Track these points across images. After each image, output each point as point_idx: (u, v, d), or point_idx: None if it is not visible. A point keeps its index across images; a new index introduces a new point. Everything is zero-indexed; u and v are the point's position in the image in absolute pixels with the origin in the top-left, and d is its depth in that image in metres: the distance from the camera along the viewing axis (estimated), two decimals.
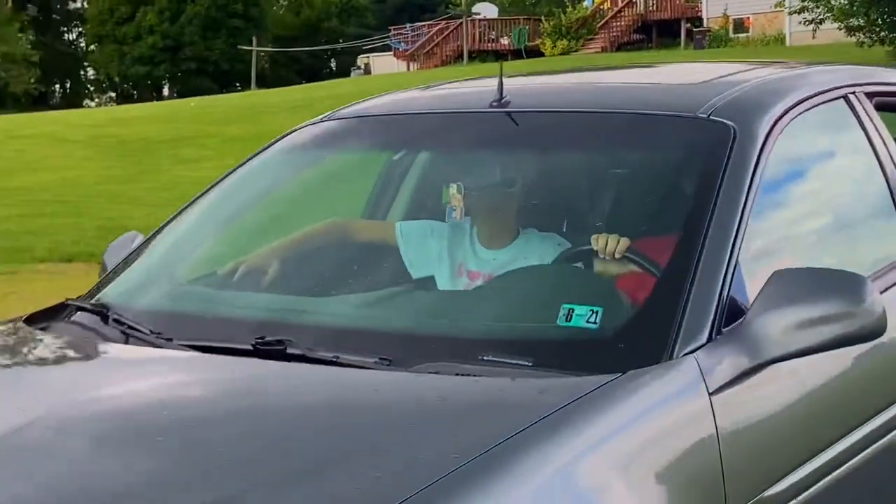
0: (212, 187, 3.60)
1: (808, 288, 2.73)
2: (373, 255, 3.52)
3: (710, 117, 3.10)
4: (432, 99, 3.84)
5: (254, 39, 51.90)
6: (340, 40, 58.92)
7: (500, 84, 3.36)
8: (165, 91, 62.57)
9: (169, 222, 3.54)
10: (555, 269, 3.17)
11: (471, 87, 3.91)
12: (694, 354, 2.62)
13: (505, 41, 45.12)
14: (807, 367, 2.81)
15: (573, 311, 2.76)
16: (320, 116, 3.70)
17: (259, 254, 3.46)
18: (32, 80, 59.79)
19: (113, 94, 66.15)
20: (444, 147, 3.55)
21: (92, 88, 69.59)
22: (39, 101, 58.53)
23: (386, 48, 48.93)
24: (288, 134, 3.67)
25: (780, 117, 3.16)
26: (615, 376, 2.53)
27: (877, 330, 2.73)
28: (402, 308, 3.02)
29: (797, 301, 2.70)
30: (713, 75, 3.57)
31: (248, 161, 3.63)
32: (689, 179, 3.03)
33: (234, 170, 3.62)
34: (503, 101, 3.35)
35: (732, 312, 2.74)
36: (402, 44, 47.52)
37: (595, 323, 2.75)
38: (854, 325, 2.70)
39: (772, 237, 3.10)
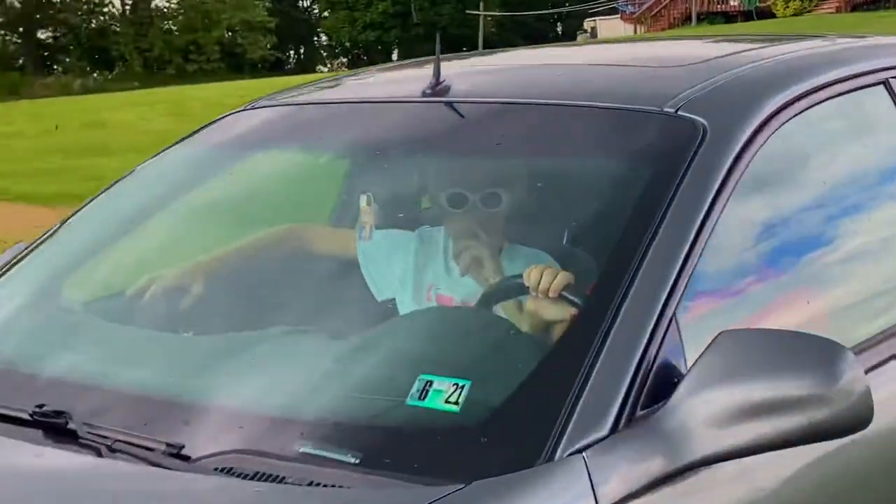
0: (106, 189, 2.96)
1: (762, 357, 1.94)
2: (327, 271, 2.85)
3: (679, 113, 2.33)
4: (371, 85, 3.13)
5: (481, 4, 51.47)
6: (566, 3, 57.84)
7: (437, 66, 2.64)
8: (395, 56, 62.80)
9: (51, 233, 2.90)
10: (439, 316, 2.43)
11: (419, 70, 3.15)
12: (584, 453, 1.87)
13: (734, 2, 43.31)
14: (761, 468, 2.03)
15: (431, 385, 2.03)
16: (246, 104, 3.03)
17: (177, 270, 2.81)
18: (269, 47, 60.88)
19: (344, 60, 66.79)
20: (362, 145, 2.80)
21: (325, 54, 70.50)
22: (275, 67, 59.52)
23: (613, 11, 47.73)
24: (209, 124, 3.02)
25: (778, 112, 2.36)
26: (456, 488, 1.81)
27: (857, 421, 1.94)
28: (228, 368, 2.29)
29: (745, 376, 1.93)
30: (706, 55, 2.75)
31: (156, 157, 2.99)
32: (632, 196, 2.25)
33: (132, 172, 2.97)
34: (439, 87, 2.63)
35: (663, 388, 1.97)
36: (629, 6, 46.25)
37: (457, 404, 2.01)
38: (824, 412, 1.91)
39: (740, 280, 2.30)
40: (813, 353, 1.94)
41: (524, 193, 2.57)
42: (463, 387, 2.01)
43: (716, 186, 2.17)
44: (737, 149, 2.24)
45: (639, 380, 1.95)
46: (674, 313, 2.03)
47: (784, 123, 2.36)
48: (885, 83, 2.67)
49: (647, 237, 2.08)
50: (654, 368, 1.97)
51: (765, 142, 2.30)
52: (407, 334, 2.35)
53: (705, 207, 2.14)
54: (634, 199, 2.21)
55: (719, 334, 1.99)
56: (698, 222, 2.12)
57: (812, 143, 2.54)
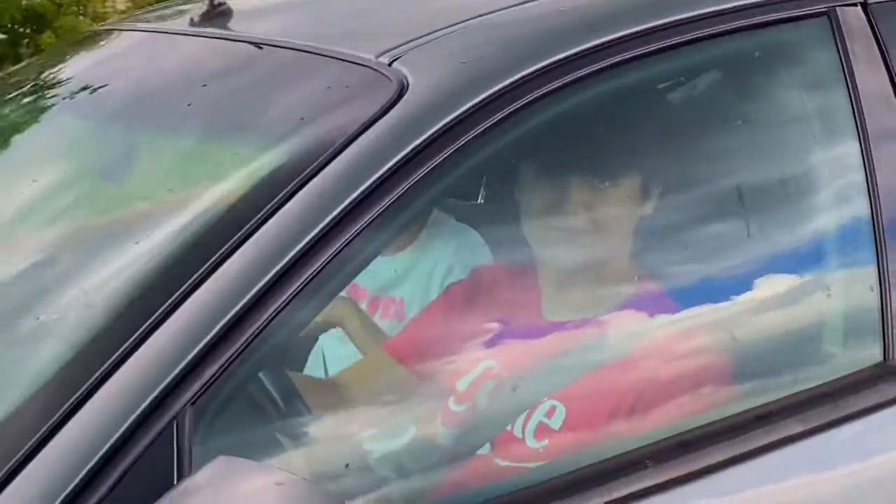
0: None
1: None
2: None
3: (392, 65, 1.63)
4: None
5: None
6: None
7: None
8: None
9: None
10: None
11: None
12: None
13: None
14: None
15: None
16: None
17: None
18: None
19: None
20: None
21: None
22: None
23: None
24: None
25: (546, 72, 1.58)
26: None
27: None
28: None
29: None
30: None
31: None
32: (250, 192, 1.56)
33: None
34: (214, 11, 2.00)
35: None
36: None
37: None
38: None
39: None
40: None
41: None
42: None
43: (372, 179, 1.45)
44: (440, 124, 1.50)
45: None
46: (180, 413, 1.32)
47: (553, 93, 1.58)
48: (830, 14, 1.75)
49: (216, 259, 1.42)
50: None
51: (506, 118, 1.54)
52: None
53: (333, 215, 1.43)
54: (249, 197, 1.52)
55: (216, 458, 1.28)
56: (306, 241, 1.42)
57: (621, 125, 1.79)
